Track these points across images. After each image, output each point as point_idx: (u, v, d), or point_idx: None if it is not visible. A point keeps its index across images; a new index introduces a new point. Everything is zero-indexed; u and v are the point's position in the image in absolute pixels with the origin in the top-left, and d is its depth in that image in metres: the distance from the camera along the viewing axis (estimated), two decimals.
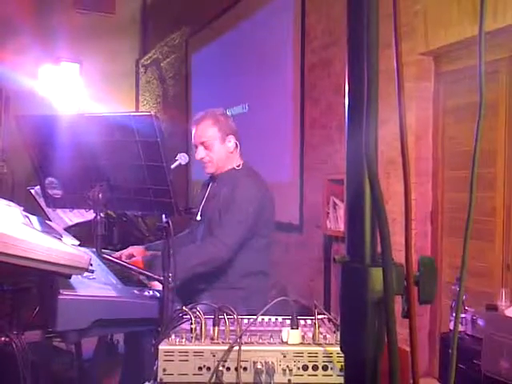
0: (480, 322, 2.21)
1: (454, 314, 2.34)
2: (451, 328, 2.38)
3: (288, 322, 1.45)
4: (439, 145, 2.91)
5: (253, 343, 1.34)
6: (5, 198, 1.90)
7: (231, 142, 2.28)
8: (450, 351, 0.86)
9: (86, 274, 1.49)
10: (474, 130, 0.82)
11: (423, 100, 2.89)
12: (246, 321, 1.47)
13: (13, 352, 1.47)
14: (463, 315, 2.27)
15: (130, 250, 2.29)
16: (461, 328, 2.25)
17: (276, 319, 1.54)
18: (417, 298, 0.84)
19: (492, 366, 1.93)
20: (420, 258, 0.87)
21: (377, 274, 0.82)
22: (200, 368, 1.30)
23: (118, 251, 2.32)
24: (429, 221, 2.89)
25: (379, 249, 0.79)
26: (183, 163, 2.23)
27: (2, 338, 1.48)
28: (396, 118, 0.76)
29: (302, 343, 1.35)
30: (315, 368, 1.31)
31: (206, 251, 2.10)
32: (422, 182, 2.88)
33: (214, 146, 2.26)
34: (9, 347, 1.48)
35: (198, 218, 2.38)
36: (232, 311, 1.42)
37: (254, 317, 1.46)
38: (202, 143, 2.27)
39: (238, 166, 2.30)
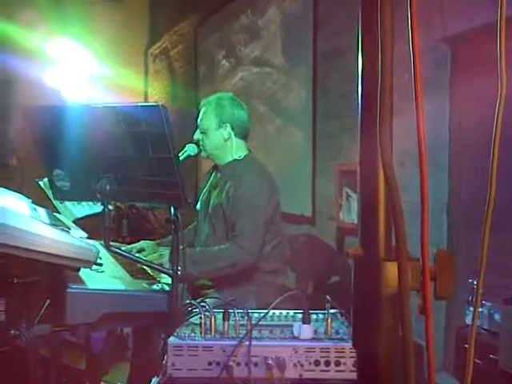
0: (497, 316, 2.17)
1: (470, 309, 2.29)
2: (468, 322, 2.33)
3: (300, 316, 1.42)
4: (457, 134, 2.84)
5: (263, 338, 1.32)
6: (14, 190, 1.89)
7: (226, 129, 2.25)
8: (466, 346, 0.82)
9: (94, 267, 1.48)
10: (493, 119, 0.78)
11: (440, 88, 2.82)
12: (256, 315, 1.44)
13: (22, 345, 1.47)
14: (480, 309, 2.23)
15: (142, 243, 2.28)
16: (477, 322, 2.21)
17: (287, 313, 1.52)
18: (433, 294, 0.81)
19: (509, 361, 1.89)
20: (437, 252, 0.83)
21: (391, 269, 0.78)
22: (210, 363, 1.28)
23: (127, 244, 2.31)
24: (445, 212, 2.84)
25: (394, 242, 0.75)
26: (192, 154, 2.21)
27: (12, 332, 1.47)
28: (411, 107, 0.72)
29: (314, 338, 1.32)
30: (327, 363, 1.28)
31: (231, 257, 2.09)
32: (438, 172, 2.82)
33: (209, 131, 2.25)
34: (18, 341, 1.47)
35: (198, 207, 2.37)
36: (242, 305, 1.40)
37: (265, 311, 1.43)
38: (199, 126, 2.28)
39: (239, 157, 2.27)
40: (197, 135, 2.29)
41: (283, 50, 4.26)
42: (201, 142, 2.28)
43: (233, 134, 2.25)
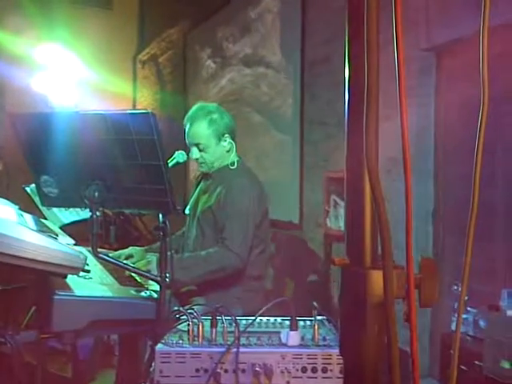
0: (482, 322, 2.19)
1: (455, 315, 2.32)
2: (453, 328, 2.36)
3: (287, 323, 1.43)
4: (442, 141, 2.88)
5: (251, 345, 1.32)
6: (0, 196, 1.88)
7: (227, 141, 2.25)
8: (451, 352, 0.83)
9: (81, 273, 1.47)
10: (477, 126, 0.80)
11: (425, 96, 2.86)
12: (244, 322, 1.45)
13: (8, 352, 1.45)
14: (465, 316, 2.25)
15: (130, 250, 2.26)
16: (462, 329, 2.23)
17: (275, 320, 1.52)
18: (418, 302, 0.82)
19: (494, 367, 1.92)
20: (421, 260, 0.85)
21: (377, 277, 0.79)
22: (197, 370, 1.27)
23: (115, 250, 2.29)
24: (430, 219, 2.87)
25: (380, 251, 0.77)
26: (181, 161, 2.21)
27: None
28: (397, 115, 0.74)
29: (301, 345, 1.32)
30: (314, 370, 1.29)
31: (220, 260, 2.09)
32: (423, 179, 2.86)
33: (209, 148, 2.23)
34: (4, 347, 1.46)
35: (187, 211, 2.37)
36: (230, 312, 1.40)
37: (253, 318, 1.43)
38: (197, 145, 2.24)
39: (232, 165, 2.26)
40: (195, 154, 2.24)
41: (275, 47, 4.26)
42: (201, 160, 2.25)
43: (233, 142, 2.26)
